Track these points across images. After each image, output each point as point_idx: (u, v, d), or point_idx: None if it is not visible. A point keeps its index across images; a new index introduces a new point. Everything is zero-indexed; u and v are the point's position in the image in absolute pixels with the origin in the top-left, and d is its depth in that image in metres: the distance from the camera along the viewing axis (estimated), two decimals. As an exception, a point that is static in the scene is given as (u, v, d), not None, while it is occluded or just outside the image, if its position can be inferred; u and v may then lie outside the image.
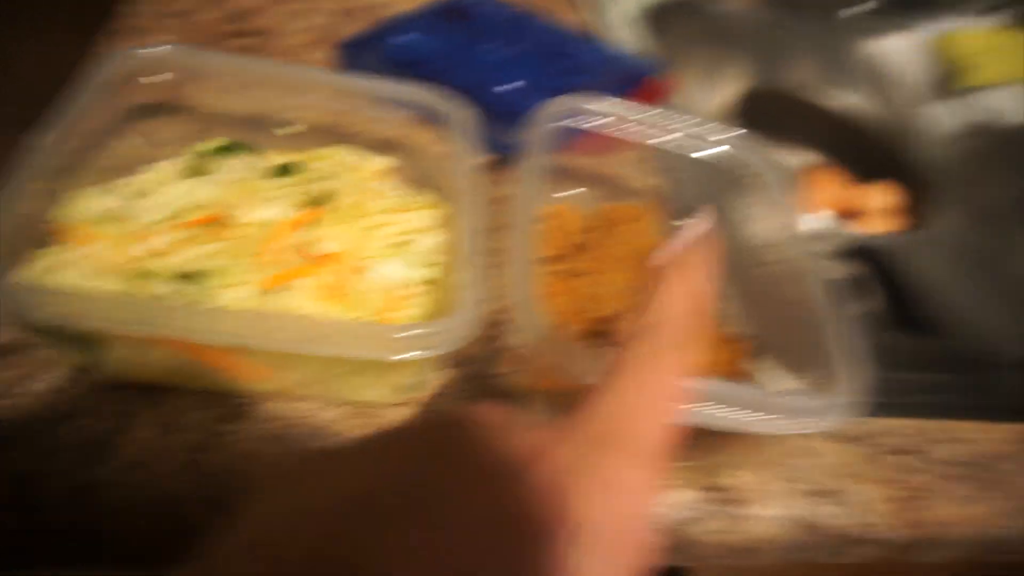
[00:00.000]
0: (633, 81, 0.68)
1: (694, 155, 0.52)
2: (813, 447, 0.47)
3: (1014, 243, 0.92)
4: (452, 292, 0.43)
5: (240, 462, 0.38)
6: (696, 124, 0.52)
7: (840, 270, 0.89)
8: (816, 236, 0.86)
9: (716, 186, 0.56)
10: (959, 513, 0.46)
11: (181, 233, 0.43)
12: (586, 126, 0.51)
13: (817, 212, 0.86)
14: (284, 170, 0.48)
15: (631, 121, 0.51)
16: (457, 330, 0.36)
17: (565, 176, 0.57)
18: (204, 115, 0.54)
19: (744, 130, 0.52)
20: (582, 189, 0.57)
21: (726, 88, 0.99)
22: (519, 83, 0.65)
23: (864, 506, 0.45)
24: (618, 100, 0.51)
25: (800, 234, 0.47)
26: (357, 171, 0.50)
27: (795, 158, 1.03)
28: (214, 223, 0.44)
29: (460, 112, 0.50)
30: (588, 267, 0.50)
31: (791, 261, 0.46)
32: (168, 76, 0.49)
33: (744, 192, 0.52)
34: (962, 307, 0.87)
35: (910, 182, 0.96)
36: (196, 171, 0.48)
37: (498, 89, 0.65)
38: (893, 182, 0.97)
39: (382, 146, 0.55)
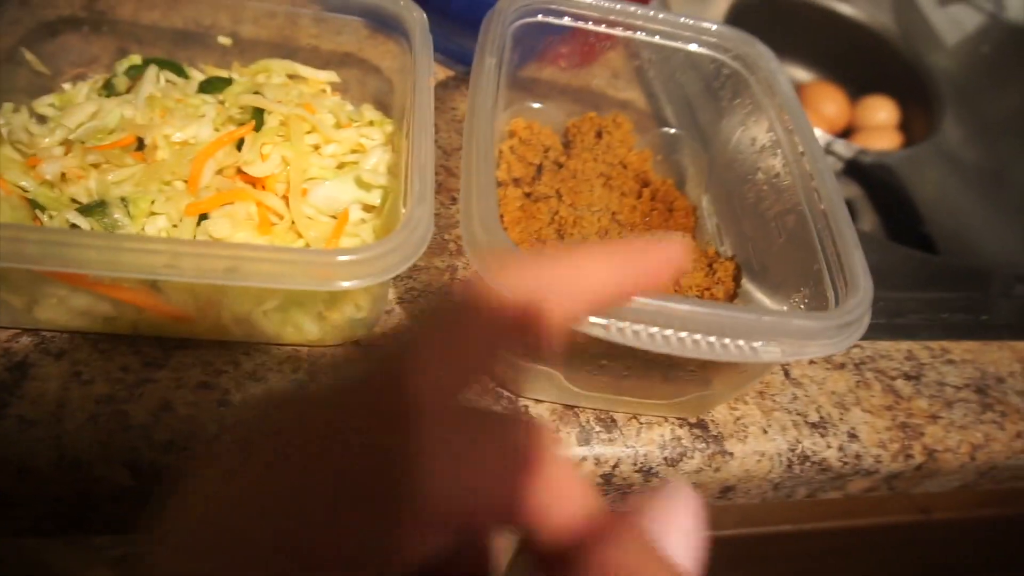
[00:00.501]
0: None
1: (683, 46, 0.46)
2: (804, 374, 0.43)
3: (1019, 156, 0.87)
4: (400, 216, 0.39)
5: (159, 416, 0.34)
6: (679, 19, 0.46)
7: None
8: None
9: (706, 88, 0.51)
10: (957, 439, 0.42)
11: (90, 157, 0.38)
12: (554, 22, 0.45)
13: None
14: (210, 86, 0.43)
15: (607, 18, 0.45)
16: (402, 252, 0.32)
17: (532, 87, 0.51)
18: (125, 31, 0.48)
19: (732, 26, 0.46)
20: (547, 104, 0.51)
21: (720, 1, 0.92)
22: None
23: (858, 436, 0.41)
24: None
25: (807, 136, 0.41)
26: (295, 86, 0.44)
27: (792, 74, 0.97)
28: (128, 147, 0.39)
29: (414, 18, 0.44)
30: (553, 190, 0.45)
31: (792, 169, 0.41)
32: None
33: (738, 93, 0.47)
34: (963, 224, 0.82)
35: (913, 95, 0.90)
36: (112, 91, 0.43)
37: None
38: (893, 96, 0.91)
39: (331, 62, 0.50)
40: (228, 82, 0.43)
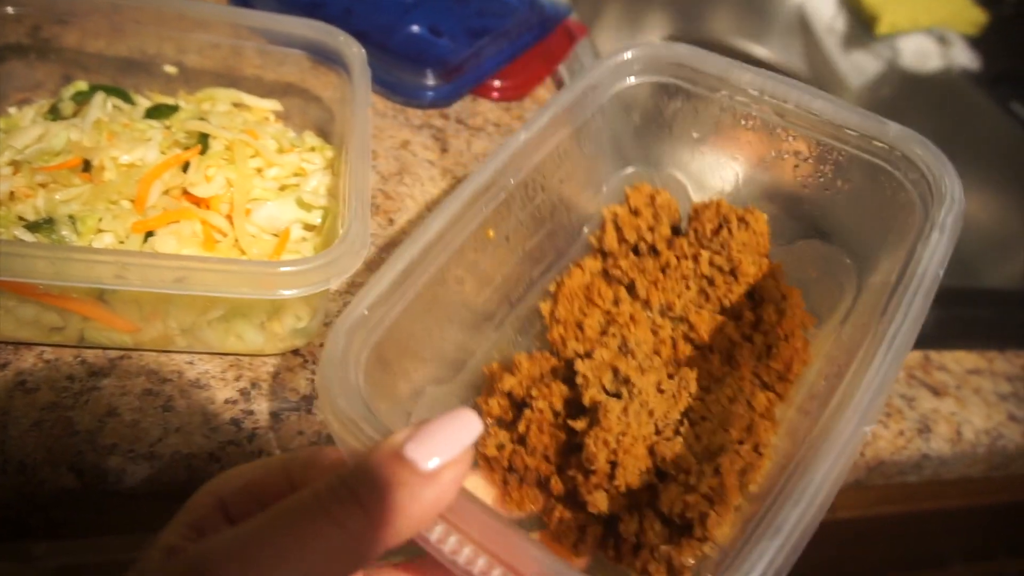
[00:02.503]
0: (549, 24, 0.66)
1: (849, 149, 0.37)
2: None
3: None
4: (338, 233, 0.41)
5: (104, 421, 0.35)
6: (854, 115, 0.37)
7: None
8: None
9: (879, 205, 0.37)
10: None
11: (38, 177, 0.40)
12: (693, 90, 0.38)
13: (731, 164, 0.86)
14: (157, 112, 0.45)
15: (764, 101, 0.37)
16: (340, 264, 0.35)
17: (672, 153, 0.42)
18: (71, 59, 0.50)
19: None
20: (674, 172, 0.42)
21: (642, 38, 0.99)
22: (429, 25, 0.63)
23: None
24: (754, 71, 0.38)
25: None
26: (239, 114, 0.47)
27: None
28: (75, 168, 0.41)
29: (354, 52, 0.47)
30: (629, 278, 0.38)
31: None
32: (21, 10, 0.45)
33: (909, 216, 0.35)
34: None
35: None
36: (58, 115, 0.45)
37: (407, 31, 0.62)
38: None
39: (274, 91, 0.52)
40: (174, 109, 0.46)
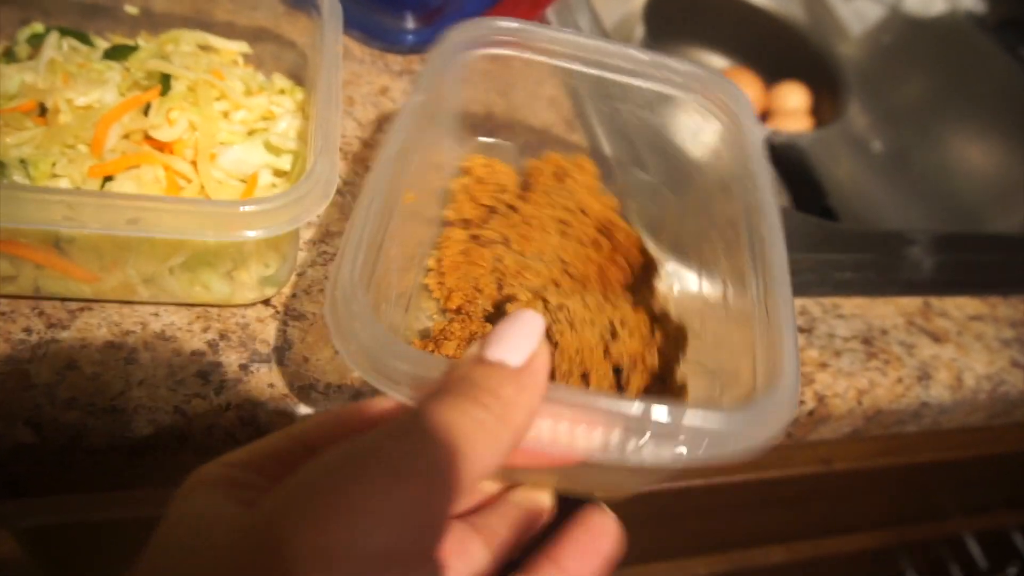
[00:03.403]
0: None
1: (651, 86, 0.42)
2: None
3: (923, 137, 0.93)
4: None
5: (64, 375, 0.34)
6: (648, 57, 0.41)
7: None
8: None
9: (680, 133, 0.45)
10: (844, 385, 0.45)
11: (-12, 121, 0.37)
12: (509, 54, 0.41)
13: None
14: (115, 52, 0.43)
15: (572, 53, 0.41)
16: (306, 202, 0.33)
17: (491, 124, 0.47)
18: (28, 2, 0.47)
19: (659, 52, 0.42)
20: (511, 141, 0.47)
21: (635, -11, 0.95)
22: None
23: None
24: (536, 25, 0.41)
25: (767, 201, 0.38)
26: (204, 55, 0.45)
27: (709, 60, 1.01)
28: (30, 112, 0.39)
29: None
30: (501, 235, 0.42)
31: (744, 230, 0.37)
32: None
33: (711, 140, 0.42)
34: (866, 200, 0.87)
35: (822, 82, 0.94)
36: (12, 59, 0.42)
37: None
38: (805, 83, 0.95)
39: (246, 36, 0.50)
40: (134, 49, 0.43)
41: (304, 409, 0.36)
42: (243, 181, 0.40)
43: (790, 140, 0.84)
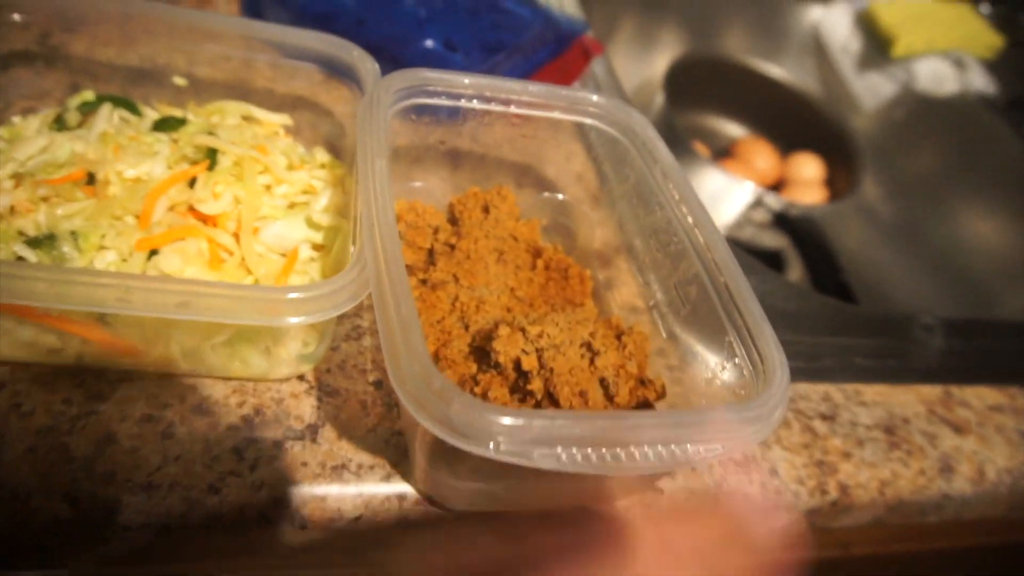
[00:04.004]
0: (564, 40, 0.65)
1: (562, 117, 0.46)
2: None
3: (934, 212, 0.94)
4: (348, 255, 0.40)
5: (102, 448, 0.34)
6: (558, 91, 0.46)
7: (768, 240, 0.89)
8: (747, 206, 0.86)
9: (590, 155, 0.52)
10: (867, 475, 0.46)
11: (40, 191, 0.38)
12: (432, 103, 0.44)
13: (743, 183, 0.85)
14: (165, 124, 0.44)
15: (484, 95, 0.45)
16: (350, 289, 0.33)
17: (409, 166, 0.51)
18: (79, 67, 0.49)
19: (599, 93, 0.47)
20: (428, 181, 0.51)
21: (658, 55, 0.98)
22: (443, 39, 0.62)
23: (778, 472, 0.44)
24: (473, 76, 0.45)
25: (695, 206, 0.42)
26: (248, 128, 0.46)
27: (726, 128, 1.03)
28: (79, 181, 0.40)
29: (367, 68, 0.46)
30: (450, 274, 0.43)
31: (683, 238, 0.42)
32: (29, 17, 0.44)
33: (621, 160, 0.48)
34: (880, 274, 0.88)
35: (836, 153, 0.96)
36: (63, 126, 0.44)
37: (421, 45, 0.61)
38: (819, 154, 0.97)
39: (285, 104, 0.51)
40: (182, 122, 0.44)
41: (336, 489, 0.36)
42: (283, 255, 0.41)
43: (805, 212, 0.86)
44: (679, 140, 0.86)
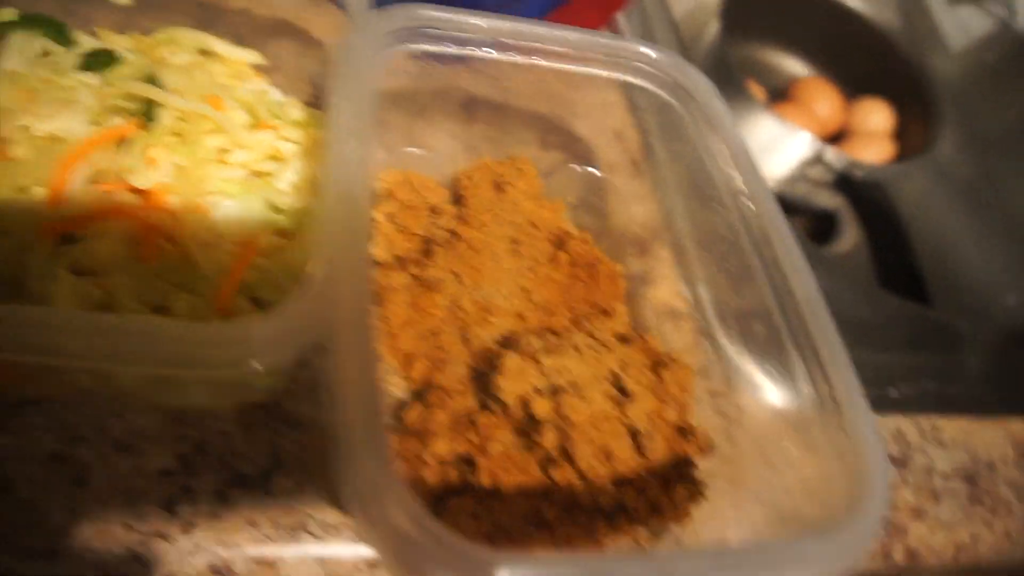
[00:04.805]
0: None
1: (600, 72, 0.36)
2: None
3: (1020, 177, 0.82)
4: (311, 252, 0.31)
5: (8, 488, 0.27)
6: (596, 39, 0.36)
7: (823, 199, 0.79)
8: (799, 164, 0.75)
9: (636, 122, 0.42)
10: (942, 539, 0.38)
11: (-78, 150, 0.30)
12: (434, 50, 0.34)
13: (800, 134, 0.74)
14: (95, 61, 0.34)
15: (504, 42, 0.34)
16: (305, 328, 0.25)
17: (407, 127, 0.40)
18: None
19: (657, 46, 0.37)
20: (429, 148, 0.40)
21: (713, -25, 0.84)
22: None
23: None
24: (488, 17, 0.35)
25: (759, 188, 0.34)
26: (203, 67, 0.36)
27: (786, 64, 0.90)
28: (-21, 136, 0.31)
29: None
30: (449, 271, 0.35)
31: (745, 227, 0.34)
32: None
33: (675, 130, 0.38)
34: (951, 247, 0.78)
35: (911, 100, 0.84)
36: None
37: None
38: (890, 100, 0.85)
39: (264, 29, 0.41)
40: (117, 58, 0.35)
41: (292, 552, 0.29)
42: (239, 244, 0.32)
43: (870, 175, 0.74)
44: (731, 78, 0.74)
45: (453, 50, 0.34)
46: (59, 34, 0.36)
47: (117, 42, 0.37)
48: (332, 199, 0.25)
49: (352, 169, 0.26)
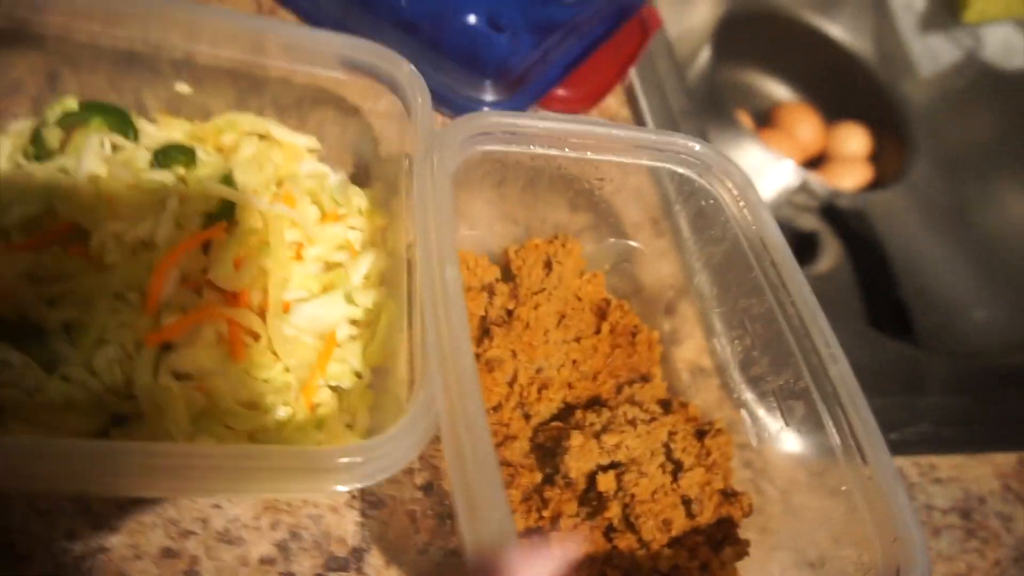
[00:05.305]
0: (625, 13, 0.56)
1: (645, 162, 0.39)
2: (803, 503, 0.42)
3: (984, 195, 0.88)
4: (392, 340, 0.34)
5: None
6: (641, 134, 0.39)
7: (804, 221, 0.83)
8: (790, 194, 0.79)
9: (671, 204, 0.45)
10: (941, 573, 0.43)
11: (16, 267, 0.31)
12: (500, 150, 0.36)
13: (785, 162, 0.78)
14: (168, 157, 0.36)
15: (565, 141, 0.37)
16: (416, 439, 0.27)
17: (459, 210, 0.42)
18: (54, 48, 0.40)
19: (700, 140, 0.40)
20: (479, 228, 0.43)
21: (704, 7, 0.87)
22: (486, 14, 0.52)
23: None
24: (546, 114, 0.39)
25: (796, 281, 0.37)
26: (267, 157, 0.38)
27: (770, 88, 0.94)
28: (66, 238, 0.32)
29: (407, 74, 0.37)
30: (509, 350, 0.37)
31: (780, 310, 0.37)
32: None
33: (709, 213, 0.41)
34: (928, 266, 0.83)
35: (886, 124, 0.89)
36: (40, 148, 0.35)
37: (462, 20, 0.51)
38: (867, 123, 0.89)
39: (305, 100, 0.43)
40: (189, 153, 0.36)
41: (385, 627, 0.32)
42: (318, 338, 0.34)
43: (853, 203, 0.79)
44: (723, 106, 0.78)
45: (517, 149, 0.36)
46: (123, 123, 0.37)
47: (177, 127, 0.39)
48: (445, 339, 0.27)
49: (459, 310, 0.28)
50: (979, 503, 0.46)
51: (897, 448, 0.46)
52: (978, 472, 0.47)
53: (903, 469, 0.46)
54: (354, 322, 0.36)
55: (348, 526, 0.33)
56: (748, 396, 0.41)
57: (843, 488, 0.34)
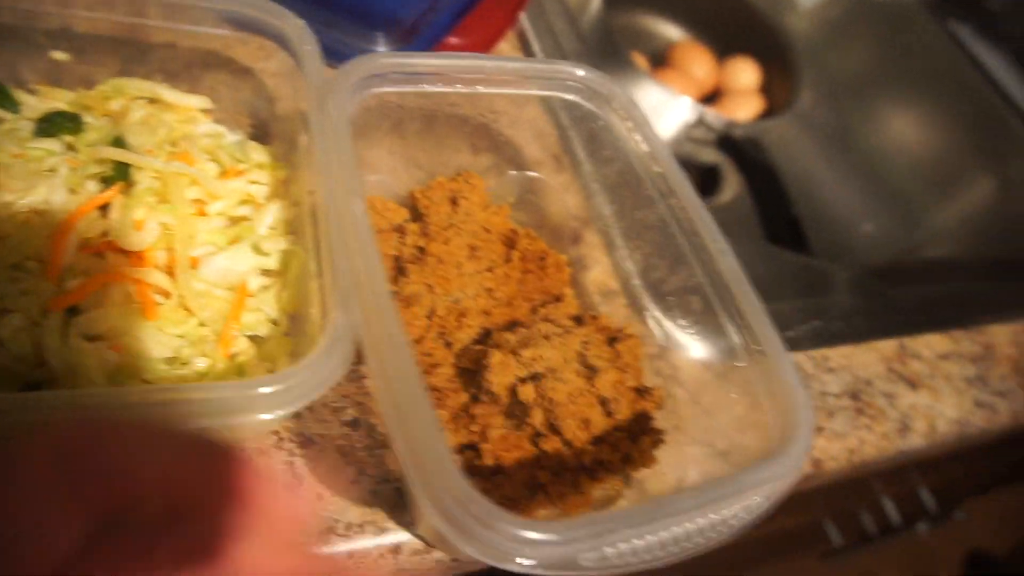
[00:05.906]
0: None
1: (535, 92, 0.42)
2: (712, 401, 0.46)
3: (867, 119, 0.94)
4: (303, 286, 0.35)
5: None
6: (529, 65, 0.42)
7: (705, 155, 0.87)
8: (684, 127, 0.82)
9: (563, 131, 0.48)
10: (838, 448, 0.47)
11: (-93, 240, 0.30)
12: (393, 91, 0.38)
13: (682, 99, 0.81)
14: (53, 125, 0.35)
15: (450, 76, 0.39)
16: (334, 365, 0.29)
17: (361, 158, 0.42)
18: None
19: (583, 66, 0.42)
20: (382, 173, 0.44)
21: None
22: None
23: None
24: (434, 53, 0.40)
25: (679, 181, 0.40)
26: (160, 119, 0.38)
27: (663, 30, 0.97)
28: (-43, 217, 0.32)
29: (295, 27, 0.38)
30: (424, 284, 0.39)
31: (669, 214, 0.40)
32: None
33: (597, 132, 0.43)
34: (819, 186, 0.89)
35: (773, 56, 0.93)
36: (-84, 130, 0.34)
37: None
38: (756, 57, 0.94)
39: (194, 63, 0.43)
40: (73, 119, 0.36)
41: (324, 552, 0.33)
42: (230, 290, 0.35)
43: (748, 132, 0.83)
44: (616, 50, 0.80)
45: (410, 89, 0.37)
46: (2, 96, 0.37)
47: (60, 97, 0.38)
48: (361, 270, 0.29)
49: (369, 243, 0.29)
50: (866, 385, 0.50)
51: (794, 344, 0.50)
52: (865, 358, 0.52)
53: (800, 363, 0.50)
54: (266, 272, 0.36)
55: (277, 466, 0.35)
56: (651, 304, 0.44)
57: (745, 382, 0.38)
